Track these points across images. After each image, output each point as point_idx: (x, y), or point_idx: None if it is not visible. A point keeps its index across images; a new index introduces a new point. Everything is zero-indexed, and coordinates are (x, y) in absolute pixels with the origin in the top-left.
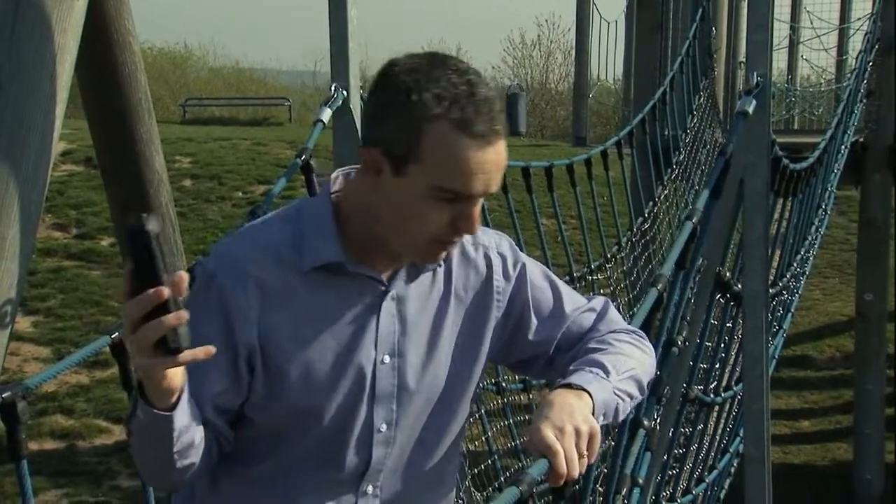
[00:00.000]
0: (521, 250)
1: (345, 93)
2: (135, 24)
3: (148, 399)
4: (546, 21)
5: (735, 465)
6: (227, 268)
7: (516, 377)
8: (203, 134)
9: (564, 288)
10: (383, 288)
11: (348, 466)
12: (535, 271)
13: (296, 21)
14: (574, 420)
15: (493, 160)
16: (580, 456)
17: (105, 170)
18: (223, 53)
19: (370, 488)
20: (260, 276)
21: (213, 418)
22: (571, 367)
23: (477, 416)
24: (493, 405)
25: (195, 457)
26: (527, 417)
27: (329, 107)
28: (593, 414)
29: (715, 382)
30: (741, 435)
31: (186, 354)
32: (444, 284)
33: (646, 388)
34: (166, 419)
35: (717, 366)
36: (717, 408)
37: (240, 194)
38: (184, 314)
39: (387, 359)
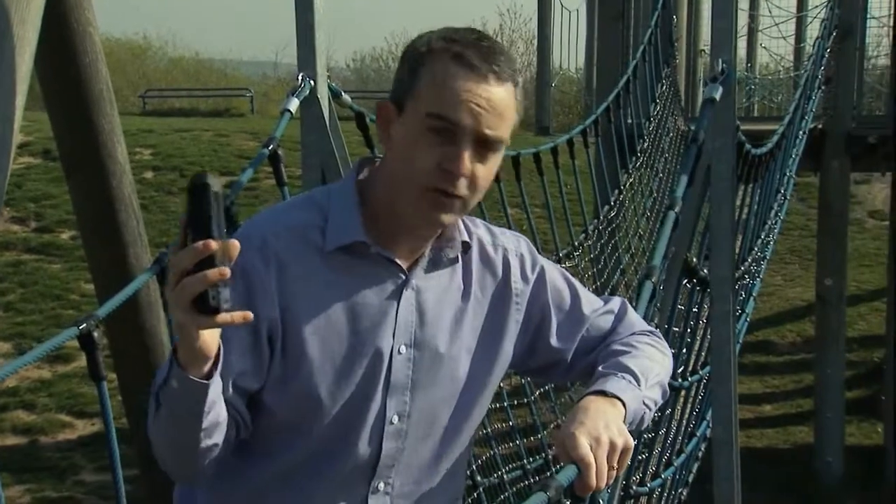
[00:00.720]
0: None
1: (312, 82)
2: (94, 13)
3: (182, 364)
4: (507, 10)
5: (702, 448)
6: (251, 245)
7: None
8: (164, 125)
9: (582, 289)
10: (403, 276)
11: (359, 458)
12: (554, 273)
13: (256, 11)
14: (610, 431)
15: (486, 97)
16: (610, 468)
17: (67, 161)
18: (182, 44)
19: (381, 485)
20: (281, 255)
21: (234, 399)
22: (601, 369)
23: None
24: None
25: (219, 437)
26: (498, 405)
27: (296, 96)
28: (623, 423)
29: (682, 367)
30: (708, 419)
31: (224, 316)
32: (463, 282)
33: (667, 391)
34: (201, 388)
35: (684, 350)
36: (683, 392)
37: None
38: (227, 271)
39: (403, 349)
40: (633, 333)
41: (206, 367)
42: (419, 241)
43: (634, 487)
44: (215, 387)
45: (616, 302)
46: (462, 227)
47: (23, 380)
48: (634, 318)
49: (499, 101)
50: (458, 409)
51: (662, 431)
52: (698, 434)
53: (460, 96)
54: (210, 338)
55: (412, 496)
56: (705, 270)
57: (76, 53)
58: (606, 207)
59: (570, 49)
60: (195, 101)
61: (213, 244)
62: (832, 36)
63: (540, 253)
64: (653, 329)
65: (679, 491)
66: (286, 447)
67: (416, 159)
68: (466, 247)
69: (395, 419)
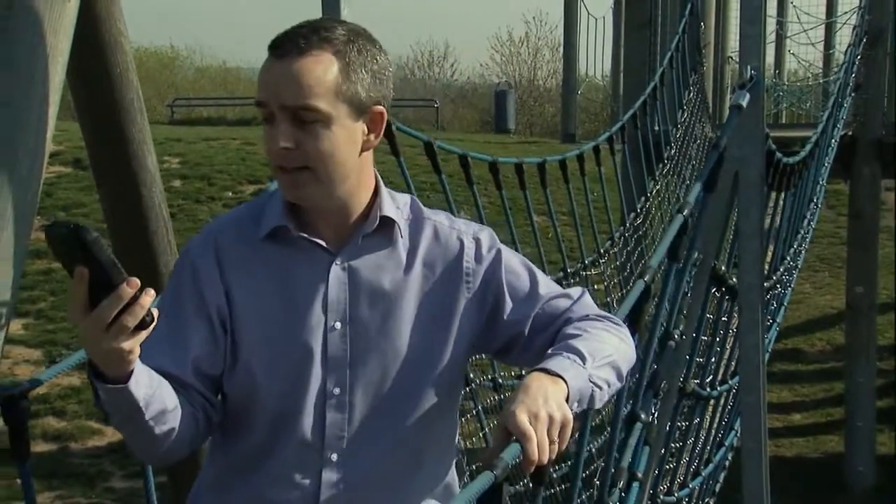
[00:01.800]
0: (516, 248)
1: None
2: (125, 24)
3: (104, 378)
4: (534, 18)
5: (730, 458)
6: (198, 240)
7: (514, 373)
8: (192, 134)
9: (541, 275)
10: (329, 256)
11: (306, 430)
12: (512, 258)
13: (283, 20)
14: (548, 406)
15: (281, 71)
16: (551, 442)
17: (97, 170)
18: (210, 53)
19: (334, 456)
20: (221, 245)
21: (196, 383)
22: (549, 352)
23: (473, 412)
24: (490, 401)
25: (173, 422)
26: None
27: None
28: (567, 401)
29: (710, 376)
30: (736, 429)
31: (154, 323)
32: (406, 259)
33: (625, 375)
34: (123, 391)
35: (713, 359)
36: (712, 402)
37: (230, 194)
38: (151, 292)
39: (338, 325)
40: (588, 317)
41: (128, 370)
42: (332, 220)
43: (662, 497)
44: (137, 385)
45: (576, 289)
46: (385, 204)
47: (53, 387)
48: (590, 303)
49: (298, 72)
50: (409, 385)
51: (690, 441)
52: (726, 444)
53: (262, 79)
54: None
55: (369, 470)
56: (734, 279)
57: (107, 64)
58: (633, 215)
59: (597, 56)
60: (222, 110)
61: (136, 281)
62: (862, 42)
63: (566, 260)
64: (609, 315)
65: (706, 501)
66: (244, 428)
67: (264, 150)
68: (386, 221)
69: (337, 391)
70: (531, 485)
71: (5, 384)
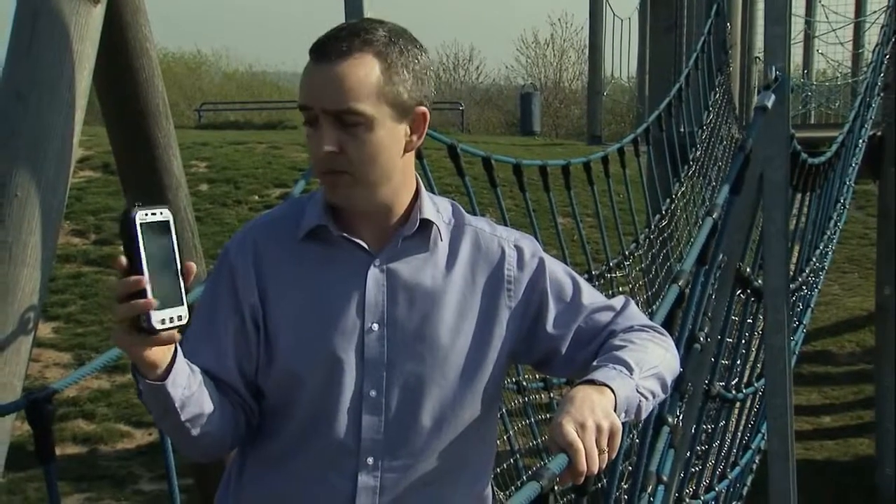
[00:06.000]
0: None
1: None
2: (151, 30)
3: (139, 371)
4: (559, 20)
5: (757, 461)
6: (237, 239)
7: (537, 376)
8: (218, 138)
9: (585, 285)
10: (368, 258)
11: (342, 433)
12: (556, 267)
13: (309, 24)
14: (595, 416)
15: (324, 75)
16: (600, 452)
17: (124, 175)
18: (236, 57)
19: (370, 460)
20: (260, 244)
21: (234, 381)
22: (595, 363)
23: (498, 415)
24: (514, 404)
25: (210, 426)
26: (548, 416)
27: None
28: (615, 410)
29: (736, 379)
30: (763, 431)
31: (161, 335)
32: (446, 265)
33: (669, 386)
34: (160, 388)
35: (739, 362)
36: (738, 404)
37: (256, 198)
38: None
39: (375, 327)
40: (633, 328)
41: (159, 372)
42: (372, 222)
43: (688, 500)
44: (174, 387)
45: (619, 299)
46: (425, 206)
47: (83, 390)
48: (636, 313)
49: (340, 76)
50: (447, 390)
51: (716, 444)
52: (753, 447)
53: (304, 83)
54: (155, 351)
55: (405, 475)
56: (759, 281)
57: (133, 70)
58: (658, 216)
59: (622, 58)
60: (249, 114)
61: (143, 281)
62: (891, 41)
63: (591, 262)
64: (654, 325)
65: None
66: (277, 425)
67: (309, 152)
68: (426, 224)
69: (373, 393)
70: (573, 496)
71: (32, 388)
